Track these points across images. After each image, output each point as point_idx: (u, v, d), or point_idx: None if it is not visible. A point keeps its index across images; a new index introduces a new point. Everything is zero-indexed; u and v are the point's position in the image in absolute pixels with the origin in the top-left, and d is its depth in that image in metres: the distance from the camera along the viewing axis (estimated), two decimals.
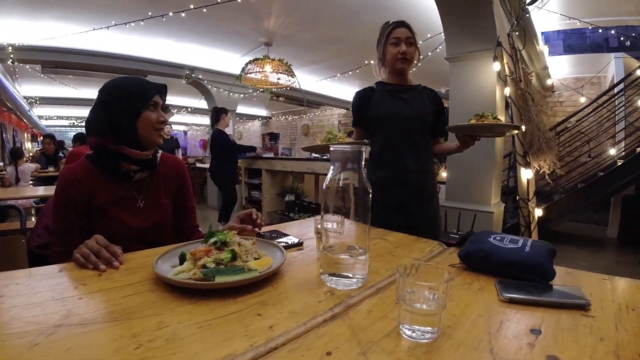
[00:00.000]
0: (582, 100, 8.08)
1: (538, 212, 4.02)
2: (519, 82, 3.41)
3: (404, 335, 0.72)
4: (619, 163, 6.12)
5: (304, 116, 14.14)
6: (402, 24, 2.17)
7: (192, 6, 5.03)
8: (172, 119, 14.24)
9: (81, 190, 1.36)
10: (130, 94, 1.43)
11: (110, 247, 1.10)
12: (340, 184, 0.94)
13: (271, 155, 6.74)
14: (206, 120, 12.14)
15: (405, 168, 2.17)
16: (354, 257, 0.96)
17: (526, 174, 3.35)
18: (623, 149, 6.79)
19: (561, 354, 0.67)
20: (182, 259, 1.00)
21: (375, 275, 1.07)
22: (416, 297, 0.71)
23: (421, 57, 2.21)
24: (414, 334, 0.71)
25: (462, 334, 0.74)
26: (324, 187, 0.96)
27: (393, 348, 0.68)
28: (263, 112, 15.54)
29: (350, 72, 8.60)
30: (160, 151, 1.61)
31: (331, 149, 0.94)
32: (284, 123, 15.37)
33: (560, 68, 8.08)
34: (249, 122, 16.86)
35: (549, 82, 8.46)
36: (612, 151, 6.73)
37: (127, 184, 1.48)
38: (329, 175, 0.95)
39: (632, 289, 1.03)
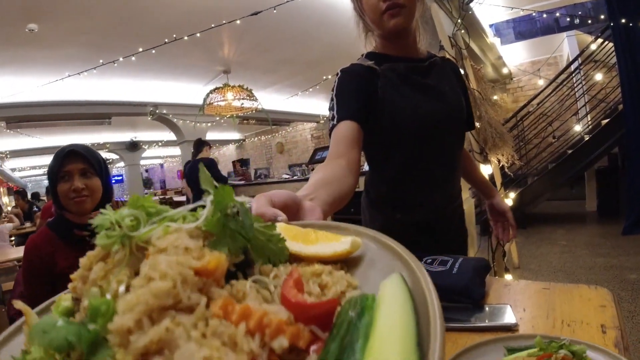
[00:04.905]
0: (541, 82, 8.26)
1: (509, 202, 4.08)
2: (466, 81, 3.48)
3: None
4: (587, 138, 6.29)
5: (277, 134, 14.19)
6: None
7: (140, 49, 5.06)
8: (146, 154, 14.17)
9: (42, 258, 1.41)
10: (49, 171, 1.51)
11: None
12: None
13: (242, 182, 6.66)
14: (179, 151, 12.13)
15: (435, 206, 1.42)
16: None
17: (486, 170, 3.41)
18: (589, 123, 6.97)
19: None
20: None
21: None
22: None
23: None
24: None
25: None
26: None
27: None
28: (236, 136, 15.55)
29: (310, 89, 8.70)
30: None
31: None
32: (258, 144, 15.40)
33: (515, 55, 8.30)
34: (223, 147, 16.82)
35: (505, 70, 8.66)
36: (578, 127, 6.90)
37: (85, 248, 1.48)
38: None
39: (573, 299, 0.95)
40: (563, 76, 6.91)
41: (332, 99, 1.30)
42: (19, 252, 4.55)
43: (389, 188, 1.44)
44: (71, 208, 1.51)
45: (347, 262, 0.56)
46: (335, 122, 1.23)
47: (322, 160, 5.08)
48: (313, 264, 0.54)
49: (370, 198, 1.51)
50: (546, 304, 0.96)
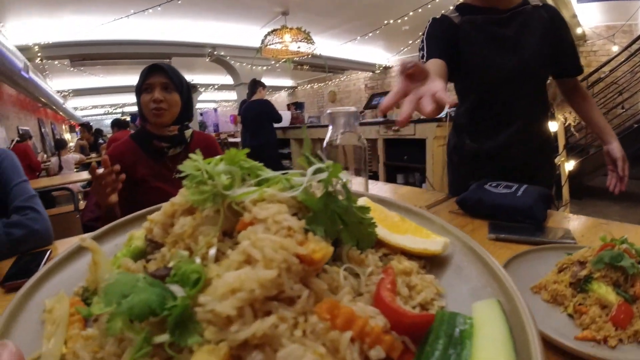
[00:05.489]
0: (615, 49, 7.63)
1: (569, 167, 3.93)
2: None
3: None
4: None
5: (330, 83, 14.03)
6: None
7: None
8: (201, 97, 14.49)
9: (124, 164, 1.50)
10: (136, 84, 1.66)
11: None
12: (338, 142, 1.04)
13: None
14: (234, 95, 12.32)
15: (501, 143, 1.55)
16: None
17: (552, 126, 3.27)
18: None
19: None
20: None
21: None
22: None
23: None
24: None
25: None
26: (324, 145, 1.05)
27: None
28: (289, 83, 15.49)
29: (370, 34, 8.43)
30: (191, 128, 1.79)
31: (327, 111, 1.05)
32: (310, 92, 15.30)
33: (590, 16, 7.65)
34: (276, 93, 16.86)
35: (579, 30, 8.01)
36: None
37: (163, 159, 1.68)
38: (328, 135, 1.05)
39: (629, 235, 0.92)
40: (636, 45, 6.39)
41: (422, 42, 1.45)
42: (81, 176, 4.99)
43: (463, 118, 1.64)
44: (151, 119, 1.64)
45: (429, 260, 0.54)
46: (424, 60, 1.40)
47: (378, 106, 4.88)
48: (399, 257, 0.52)
49: (454, 123, 1.74)
50: (603, 234, 1.00)
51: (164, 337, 0.34)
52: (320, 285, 0.39)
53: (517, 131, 1.52)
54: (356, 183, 1.06)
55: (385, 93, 6.46)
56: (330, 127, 1.06)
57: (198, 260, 0.41)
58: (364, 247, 0.50)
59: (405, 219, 0.60)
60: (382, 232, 0.54)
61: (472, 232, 1.05)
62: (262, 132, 5.68)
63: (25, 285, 0.54)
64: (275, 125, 5.89)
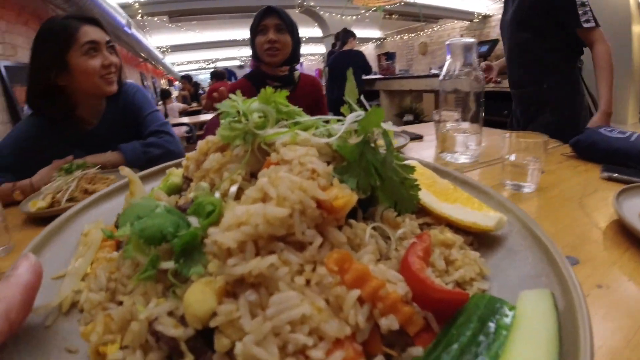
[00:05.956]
0: None
1: None
2: None
3: (506, 187, 1.00)
4: None
5: (421, 33, 13.23)
6: None
7: None
8: None
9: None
10: (250, 27, 1.82)
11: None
12: (456, 73, 1.11)
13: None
14: (319, 49, 12.18)
15: (510, 82, 2.09)
16: (466, 135, 1.14)
17: None
18: None
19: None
20: None
21: (487, 155, 1.29)
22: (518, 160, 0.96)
23: None
24: (513, 186, 0.99)
25: (557, 191, 0.97)
26: (441, 77, 1.16)
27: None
28: (376, 34, 14.90)
29: None
30: (298, 70, 1.92)
31: (446, 43, 1.13)
32: (400, 43, 14.55)
33: None
34: (363, 45, 16.31)
35: None
36: None
37: None
38: (445, 67, 1.13)
39: None
40: None
41: None
42: (182, 120, 5.69)
43: None
44: (265, 59, 1.77)
45: (477, 237, 0.47)
46: None
47: (484, 56, 4.70)
48: (443, 228, 0.47)
49: None
50: None
51: (169, 264, 0.34)
52: (338, 237, 0.36)
53: (513, 77, 2.04)
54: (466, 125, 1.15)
55: (486, 42, 5.90)
56: (447, 57, 1.12)
57: (218, 194, 0.41)
58: (403, 211, 0.46)
59: (457, 189, 0.54)
60: (427, 198, 0.49)
61: (585, 172, 1.12)
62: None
63: (69, 210, 0.56)
64: (364, 77, 5.72)
